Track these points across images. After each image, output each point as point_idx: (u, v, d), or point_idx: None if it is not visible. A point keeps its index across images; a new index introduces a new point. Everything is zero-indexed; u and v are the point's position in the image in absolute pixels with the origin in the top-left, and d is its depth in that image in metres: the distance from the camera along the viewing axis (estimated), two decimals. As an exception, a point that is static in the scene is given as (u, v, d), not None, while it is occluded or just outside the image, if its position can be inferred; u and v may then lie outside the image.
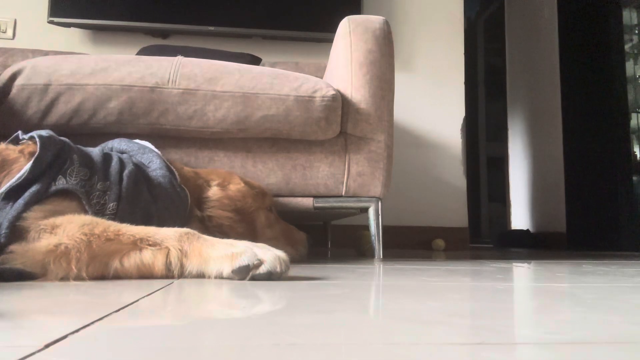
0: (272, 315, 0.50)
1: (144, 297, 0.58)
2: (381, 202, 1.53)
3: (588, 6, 3.33)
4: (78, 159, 0.89)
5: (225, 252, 0.76)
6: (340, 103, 1.46)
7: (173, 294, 0.63)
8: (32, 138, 0.90)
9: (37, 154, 0.84)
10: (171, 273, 0.76)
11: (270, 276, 0.75)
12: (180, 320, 0.47)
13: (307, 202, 1.47)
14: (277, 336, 0.38)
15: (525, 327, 0.46)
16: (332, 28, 1.66)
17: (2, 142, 0.90)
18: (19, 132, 0.94)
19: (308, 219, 1.95)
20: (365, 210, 1.53)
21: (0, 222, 0.76)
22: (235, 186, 1.16)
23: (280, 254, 0.78)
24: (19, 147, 0.88)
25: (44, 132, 0.92)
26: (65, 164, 0.87)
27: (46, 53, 2.08)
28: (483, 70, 5.61)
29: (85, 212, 0.84)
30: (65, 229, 0.75)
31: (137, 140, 1.16)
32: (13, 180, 0.80)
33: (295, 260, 1.12)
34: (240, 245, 0.78)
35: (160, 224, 0.85)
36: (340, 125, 1.48)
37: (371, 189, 1.50)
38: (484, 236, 5.37)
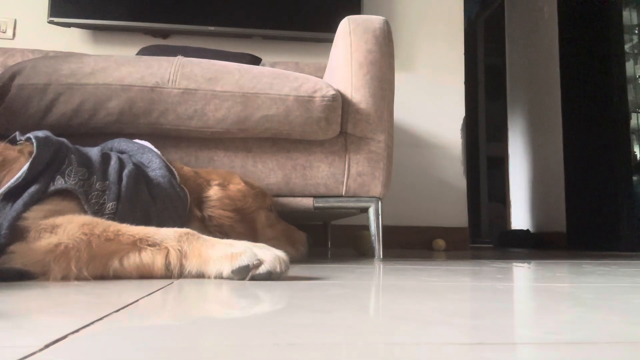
0: (272, 315, 0.50)
1: (143, 297, 0.58)
2: (381, 202, 1.53)
3: (588, 6, 3.33)
4: (76, 159, 0.89)
5: (225, 253, 0.77)
6: (340, 103, 1.46)
7: (173, 294, 0.63)
8: (28, 139, 0.90)
9: (34, 154, 0.84)
10: (171, 273, 0.76)
11: (270, 276, 0.75)
12: (180, 320, 0.47)
13: (307, 202, 1.47)
14: (277, 336, 0.38)
15: (525, 327, 0.46)
16: (332, 28, 1.66)
17: (1, 142, 0.90)
18: (17, 133, 0.94)
19: (308, 219, 1.95)
20: (365, 210, 1.53)
21: (0, 222, 0.76)
22: (236, 186, 1.16)
23: (280, 253, 0.78)
24: (19, 147, 0.88)
25: (41, 133, 0.92)
26: (64, 164, 0.87)
27: (46, 53, 2.08)
28: (483, 70, 5.60)
29: (85, 212, 0.84)
30: (65, 228, 0.75)
31: (137, 140, 1.16)
32: (11, 181, 0.80)
33: (295, 260, 1.12)
34: (239, 246, 0.78)
35: (160, 224, 0.85)
36: (340, 125, 1.48)
37: (371, 189, 1.50)
38: (484, 236, 5.37)
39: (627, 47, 3.30)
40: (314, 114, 1.41)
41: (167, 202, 1.00)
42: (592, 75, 3.24)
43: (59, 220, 0.77)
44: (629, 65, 3.27)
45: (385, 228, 1.62)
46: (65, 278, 0.71)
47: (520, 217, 4.19)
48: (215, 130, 1.40)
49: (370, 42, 1.51)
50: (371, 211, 1.51)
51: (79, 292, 0.62)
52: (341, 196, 1.49)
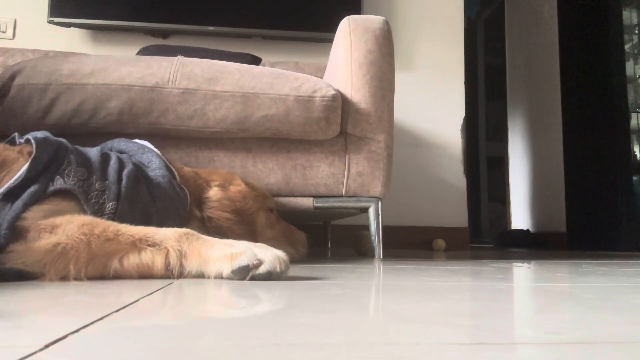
0: (272, 315, 0.50)
1: (143, 297, 0.58)
2: (381, 202, 1.52)
3: (588, 6, 3.33)
4: (75, 159, 0.89)
5: (225, 253, 0.76)
6: (340, 103, 1.46)
7: (173, 294, 0.63)
8: (28, 140, 0.90)
9: (33, 154, 0.84)
10: (170, 273, 0.76)
11: (270, 276, 0.75)
12: (180, 320, 0.47)
13: (307, 202, 1.47)
14: (277, 336, 0.38)
15: (525, 327, 0.46)
16: (332, 28, 1.66)
17: (0, 143, 0.90)
18: (16, 135, 0.94)
19: (308, 219, 1.95)
20: (365, 210, 1.53)
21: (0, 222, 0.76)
22: (236, 187, 1.16)
23: (280, 253, 0.78)
24: (18, 148, 0.89)
25: (39, 134, 0.92)
26: (63, 164, 0.87)
27: (46, 53, 2.08)
28: (483, 70, 5.61)
29: (84, 212, 0.84)
30: (65, 228, 0.75)
31: (137, 140, 1.16)
32: (11, 181, 0.80)
33: (295, 260, 1.12)
34: (239, 246, 0.78)
35: (160, 224, 0.85)
36: (340, 125, 1.48)
37: (371, 189, 1.50)
38: (484, 236, 5.37)
39: (627, 47, 3.30)
40: (314, 114, 1.41)
41: (167, 202, 1.00)
42: (592, 75, 3.24)
43: (58, 220, 0.77)
44: (629, 65, 3.27)
45: (385, 228, 1.62)
46: (64, 278, 0.71)
47: (520, 217, 4.19)
48: (215, 130, 1.40)
49: (370, 42, 1.51)
50: (371, 211, 1.51)
51: (78, 292, 0.62)
52: (341, 196, 1.49)
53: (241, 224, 1.12)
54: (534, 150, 3.92)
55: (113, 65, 1.39)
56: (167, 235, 0.79)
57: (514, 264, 1.40)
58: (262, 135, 1.44)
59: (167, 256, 0.76)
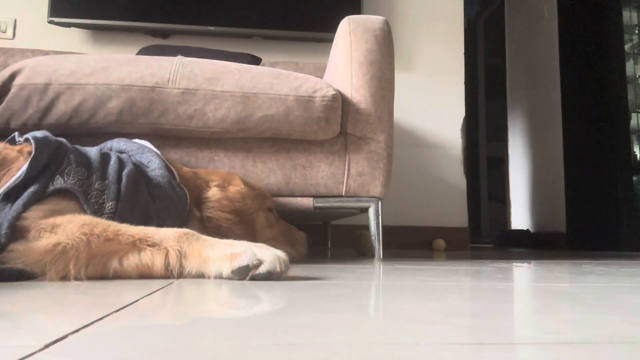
0: (272, 315, 0.50)
1: (143, 297, 0.58)
2: (381, 202, 1.52)
3: (588, 6, 3.33)
4: (75, 159, 0.89)
5: (225, 253, 0.76)
6: (340, 103, 1.46)
7: (172, 294, 0.63)
8: (27, 140, 0.90)
9: (32, 154, 0.84)
10: (170, 273, 0.76)
11: (270, 276, 0.75)
12: (180, 320, 0.47)
13: (307, 202, 1.47)
14: (277, 336, 0.38)
15: (525, 327, 0.46)
16: (332, 28, 1.66)
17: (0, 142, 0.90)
18: (16, 134, 0.94)
19: (308, 219, 1.95)
20: (365, 210, 1.53)
21: (0, 222, 0.76)
22: (235, 187, 1.16)
23: (280, 253, 0.78)
24: (18, 147, 0.89)
25: (39, 133, 0.92)
26: (63, 163, 0.87)
27: (46, 53, 2.08)
28: (483, 70, 5.61)
29: (84, 211, 0.84)
30: (65, 228, 0.75)
31: (137, 140, 1.16)
32: (11, 181, 0.80)
33: (295, 260, 1.12)
34: (239, 246, 0.78)
35: (160, 224, 0.85)
36: (340, 125, 1.48)
37: (371, 189, 1.50)
38: (484, 236, 5.37)
39: (627, 47, 3.30)
40: (314, 114, 1.41)
41: (167, 202, 1.00)
42: (592, 75, 3.24)
43: (58, 220, 0.77)
44: (629, 65, 3.27)
45: (385, 228, 1.62)
46: (64, 278, 0.71)
47: (520, 217, 4.19)
48: (215, 130, 1.40)
49: (370, 42, 1.51)
50: (371, 211, 1.51)
51: (78, 292, 0.62)
52: (341, 196, 1.49)
53: (240, 224, 1.12)
54: (534, 150, 3.92)
55: (113, 65, 1.38)
56: (167, 235, 0.79)
57: (514, 264, 1.40)
58: (262, 135, 1.44)
59: (166, 256, 0.76)
